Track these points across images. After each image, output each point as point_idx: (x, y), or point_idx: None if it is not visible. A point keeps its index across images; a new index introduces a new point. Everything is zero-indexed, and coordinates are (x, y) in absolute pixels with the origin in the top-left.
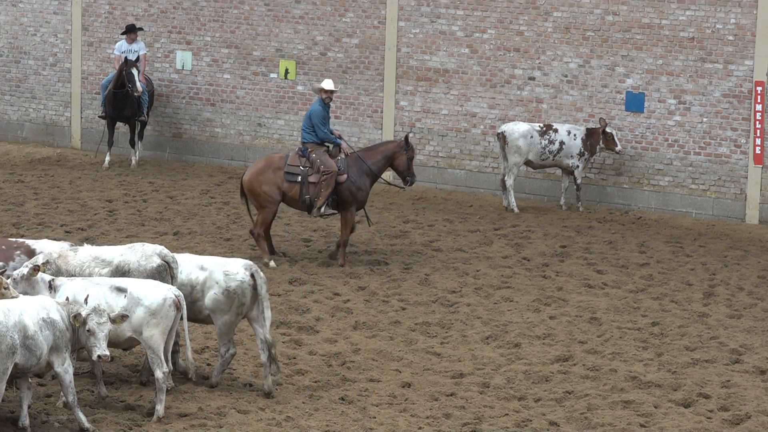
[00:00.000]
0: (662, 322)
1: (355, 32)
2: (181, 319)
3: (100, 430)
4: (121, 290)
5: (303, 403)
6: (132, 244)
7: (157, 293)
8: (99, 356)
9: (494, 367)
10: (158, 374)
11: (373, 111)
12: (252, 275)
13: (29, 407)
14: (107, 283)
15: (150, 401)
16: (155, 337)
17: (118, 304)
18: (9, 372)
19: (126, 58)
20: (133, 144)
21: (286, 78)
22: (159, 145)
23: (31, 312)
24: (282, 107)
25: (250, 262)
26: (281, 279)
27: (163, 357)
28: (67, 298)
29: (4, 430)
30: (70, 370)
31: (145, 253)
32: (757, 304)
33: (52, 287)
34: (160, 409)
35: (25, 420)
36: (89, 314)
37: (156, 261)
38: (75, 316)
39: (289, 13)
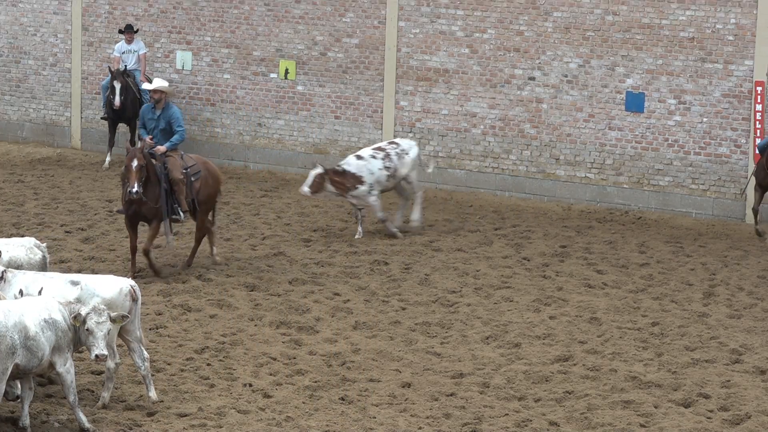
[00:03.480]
0: (662, 322)
1: (355, 32)
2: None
3: (100, 430)
4: (75, 283)
5: (303, 403)
6: (7, 240)
7: (112, 285)
8: (97, 355)
9: (494, 367)
10: (110, 364)
11: (373, 111)
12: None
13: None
14: (62, 278)
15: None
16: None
17: (72, 297)
18: (9, 372)
19: (123, 68)
20: (133, 144)
21: (286, 78)
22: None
23: (32, 313)
24: (282, 107)
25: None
26: (281, 279)
27: (115, 348)
28: (21, 291)
29: (5, 430)
30: (72, 370)
31: (25, 245)
32: (757, 304)
33: (3, 278)
34: (106, 396)
35: (25, 420)
36: (89, 313)
37: (38, 253)
38: (75, 316)
39: (289, 13)
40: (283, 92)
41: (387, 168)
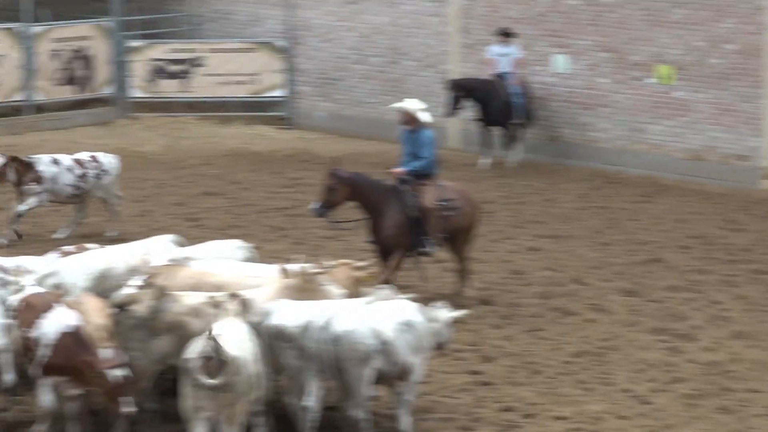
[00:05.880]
0: None
1: (734, 39)
2: None
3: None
4: None
5: (682, 411)
6: None
7: None
8: None
9: None
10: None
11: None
12: None
13: None
14: None
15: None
16: None
17: None
18: None
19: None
20: (506, 146)
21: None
22: (536, 147)
23: None
24: (660, 113)
25: None
26: (659, 285)
27: None
28: None
29: None
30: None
31: None
32: None
33: None
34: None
35: None
36: None
37: None
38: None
39: (666, 17)
40: (660, 97)
41: (76, 187)
